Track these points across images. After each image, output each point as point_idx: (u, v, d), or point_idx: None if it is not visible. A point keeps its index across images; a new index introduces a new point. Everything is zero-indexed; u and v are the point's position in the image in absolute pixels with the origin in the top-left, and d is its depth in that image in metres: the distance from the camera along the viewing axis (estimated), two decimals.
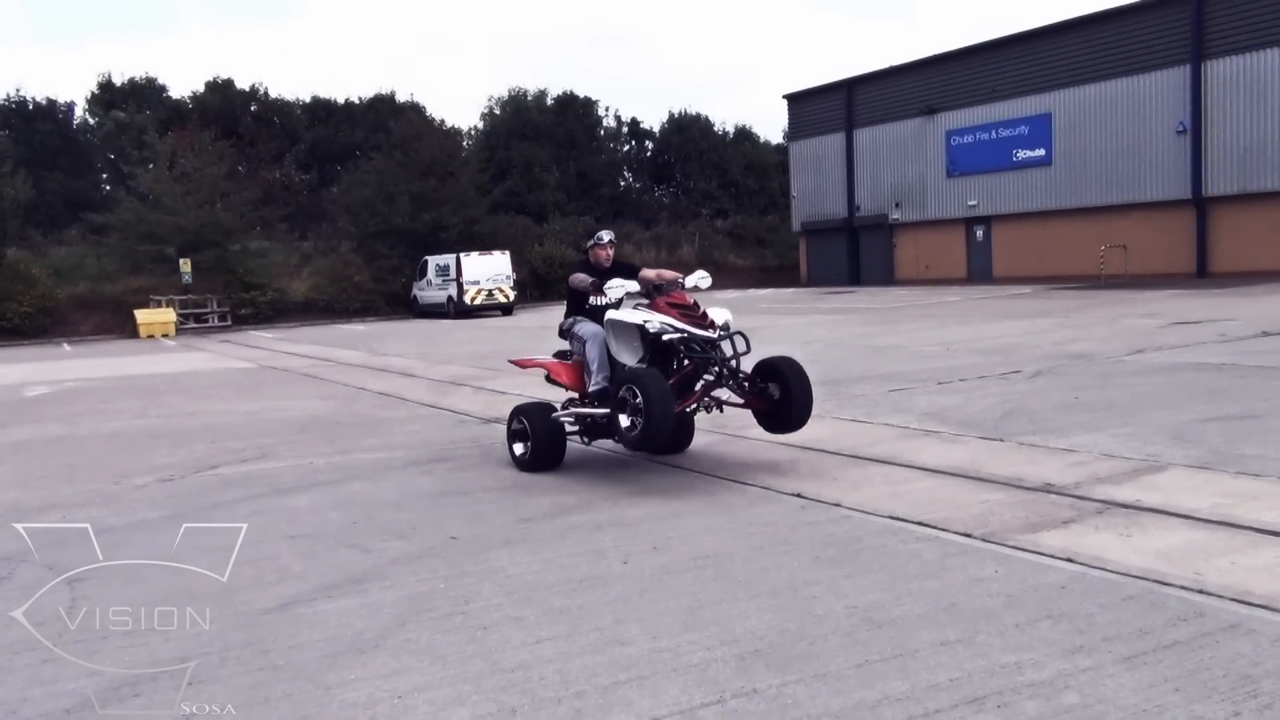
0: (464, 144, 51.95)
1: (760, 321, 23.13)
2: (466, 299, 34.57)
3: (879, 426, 8.58)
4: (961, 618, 4.08)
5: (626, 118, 62.32)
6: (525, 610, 4.41)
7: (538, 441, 7.46)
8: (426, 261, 36.98)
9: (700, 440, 8.27)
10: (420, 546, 5.54)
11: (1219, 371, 10.56)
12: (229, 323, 35.41)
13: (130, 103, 50.97)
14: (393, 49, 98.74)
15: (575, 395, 7.70)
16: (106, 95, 52.85)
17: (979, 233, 37.15)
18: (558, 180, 54.89)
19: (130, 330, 33.03)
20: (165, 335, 32.50)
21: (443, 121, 49.86)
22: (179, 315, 34.26)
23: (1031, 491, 6.12)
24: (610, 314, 7.22)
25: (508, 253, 36.43)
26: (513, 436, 7.78)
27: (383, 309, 38.14)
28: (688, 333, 6.87)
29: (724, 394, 7.13)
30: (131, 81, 53.59)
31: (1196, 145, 30.11)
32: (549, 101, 58.46)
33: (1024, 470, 6.65)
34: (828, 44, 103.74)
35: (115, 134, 48.89)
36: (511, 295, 35.51)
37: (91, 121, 53.27)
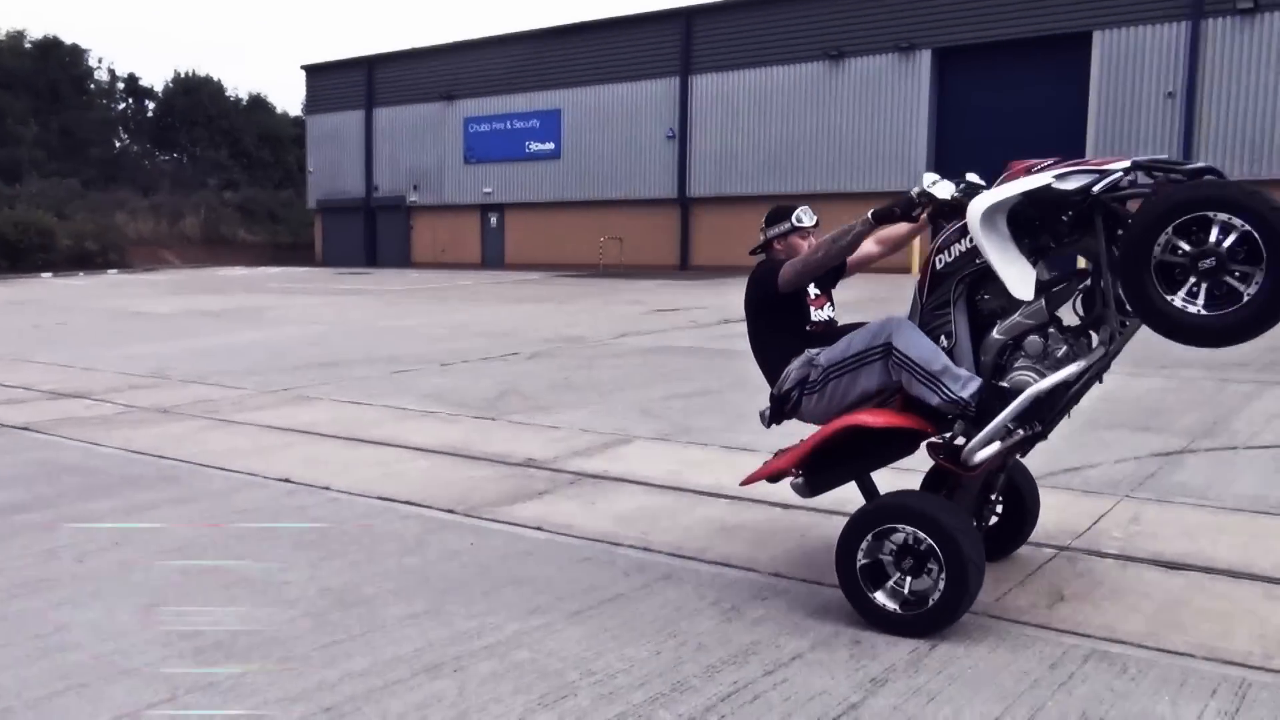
0: None
1: (268, 301, 22.17)
2: None
3: (378, 408, 8.61)
4: (433, 590, 4.23)
5: (123, 72, 56.80)
6: None
7: (962, 566, 3.57)
8: None
9: (180, 428, 7.78)
10: None
11: (686, 354, 11.90)
12: None
13: None
14: None
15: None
16: None
17: (493, 219, 38.50)
18: (36, 135, 48.59)
19: None
20: None
21: None
22: None
23: (515, 467, 6.50)
24: (978, 203, 3.69)
25: None
26: (878, 565, 3.76)
27: None
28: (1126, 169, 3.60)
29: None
30: None
31: (682, 150, 33.53)
32: (27, 44, 51.47)
33: (511, 447, 7.04)
34: (349, 15, 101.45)
35: None
36: None
37: None
